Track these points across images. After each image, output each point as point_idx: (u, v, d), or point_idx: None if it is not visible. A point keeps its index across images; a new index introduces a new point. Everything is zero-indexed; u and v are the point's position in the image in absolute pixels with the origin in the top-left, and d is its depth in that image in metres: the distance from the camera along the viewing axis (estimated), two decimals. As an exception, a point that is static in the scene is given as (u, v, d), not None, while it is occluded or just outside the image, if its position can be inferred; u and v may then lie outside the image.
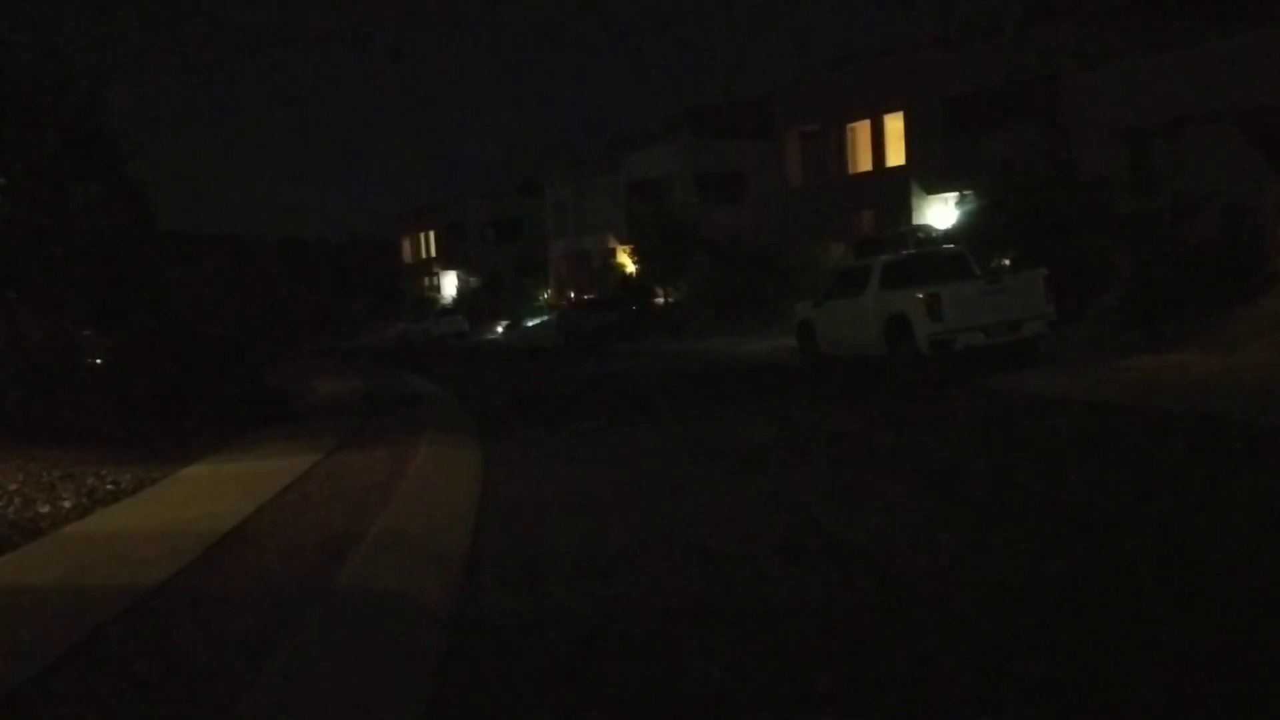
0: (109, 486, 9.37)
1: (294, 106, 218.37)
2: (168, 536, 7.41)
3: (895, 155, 33.30)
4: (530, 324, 48.16)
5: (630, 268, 41.72)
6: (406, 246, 71.42)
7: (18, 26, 12.75)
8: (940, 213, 29.10)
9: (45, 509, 8.32)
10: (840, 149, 35.55)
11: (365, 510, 8.10)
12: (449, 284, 64.64)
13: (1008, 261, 20.52)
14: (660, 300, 38.99)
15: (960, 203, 24.10)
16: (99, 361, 13.65)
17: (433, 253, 67.18)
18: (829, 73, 37.12)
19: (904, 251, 17.28)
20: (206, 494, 9.25)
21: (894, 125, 33.29)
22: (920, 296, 14.73)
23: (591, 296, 41.47)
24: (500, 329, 50.16)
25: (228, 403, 14.67)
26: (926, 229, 21.63)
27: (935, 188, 30.56)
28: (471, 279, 60.98)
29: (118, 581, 6.15)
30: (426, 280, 67.57)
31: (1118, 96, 24.63)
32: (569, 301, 45.88)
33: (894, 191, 32.05)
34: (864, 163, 34.89)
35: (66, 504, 8.53)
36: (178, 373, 13.94)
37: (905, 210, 31.33)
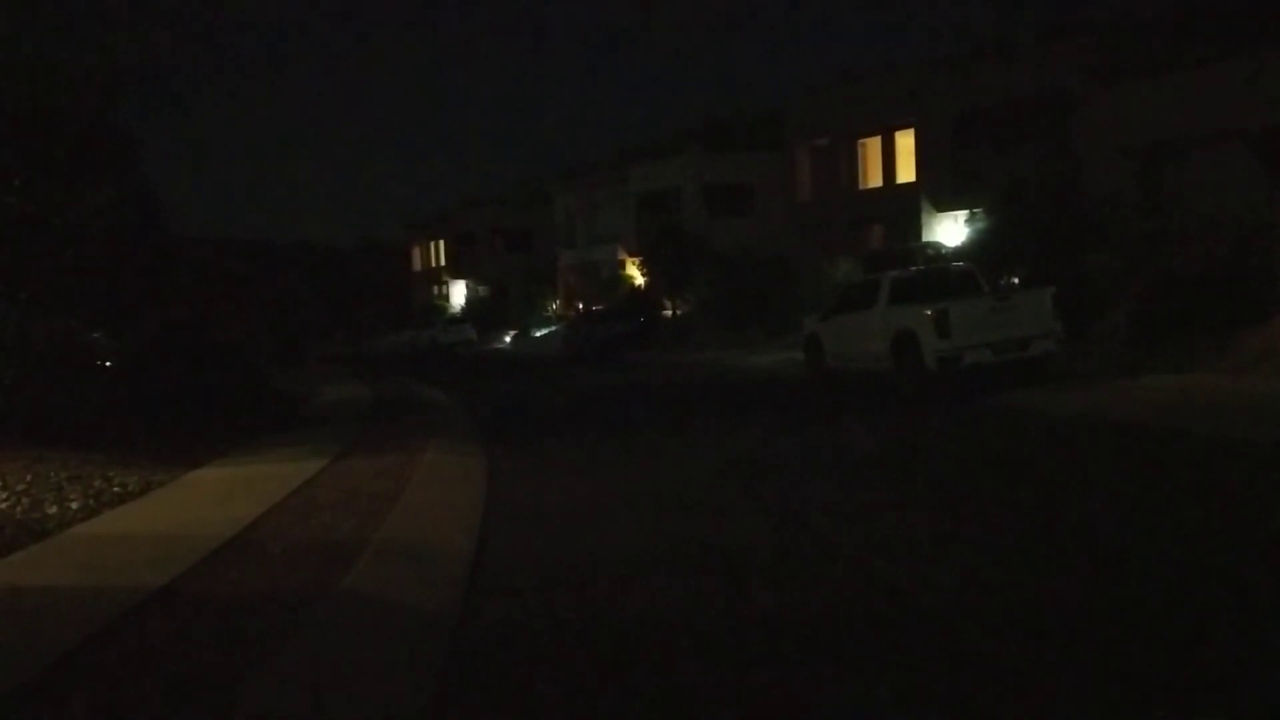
0: (116, 489, 9.39)
1: (306, 113, 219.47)
2: (174, 539, 7.43)
3: (906, 171, 33.34)
4: (538, 334, 48.20)
5: (639, 279, 41.76)
6: (416, 255, 71.64)
7: (33, 28, 12.82)
8: (950, 230, 29.12)
9: (53, 510, 8.35)
10: (851, 164, 35.60)
11: (371, 516, 8.12)
12: (457, 293, 64.79)
13: (1016, 279, 20.53)
14: (668, 312, 39.02)
15: (970, 220, 24.11)
16: (108, 364, 13.70)
17: (442, 261, 67.37)
18: (839, 87, 37.18)
19: (913, 267, 17.30)
20: (213, 498, 9.27)
21: (905, 142, 33.33)
22: (928, 313, 14.73)
23: (600, 307, 41.51)
24: (508, 339, 50.22)
25: (235, 407, 14.72)
26: (935, 245, 21.70)
27: (945, 205, 30.58)
28: (480, 288, 61.10)
29: (123, 583, 6.17)
30: (435, 289, 67.74)
31: (1128, 116, 24.65)
32: (577, 312, 45.92)
33: (904, 207, 32.07)
34: (874, 178, 34.93)
35: (74, 505, 8.56)
36: (186, 376, 13.99)
37: (915, 226, 31.34)
